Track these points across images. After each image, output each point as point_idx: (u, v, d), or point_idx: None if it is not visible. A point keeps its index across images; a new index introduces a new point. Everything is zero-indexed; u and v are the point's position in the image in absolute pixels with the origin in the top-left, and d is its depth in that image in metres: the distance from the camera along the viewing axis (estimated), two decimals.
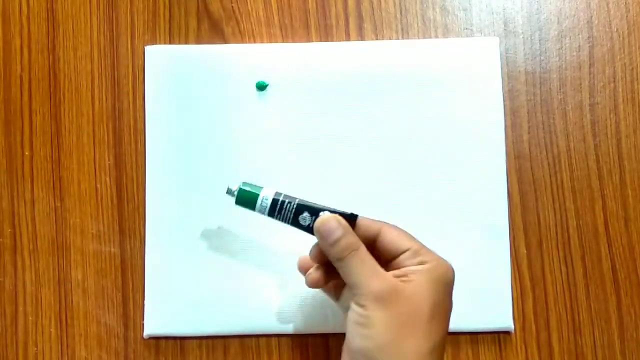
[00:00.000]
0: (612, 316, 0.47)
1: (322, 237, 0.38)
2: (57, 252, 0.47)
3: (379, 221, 0.39)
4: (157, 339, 0.46)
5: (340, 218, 0.38)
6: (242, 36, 0.49)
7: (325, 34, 0.49)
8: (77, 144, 0.48)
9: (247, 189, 0.41)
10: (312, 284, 0.40)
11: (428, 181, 0.47)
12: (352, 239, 0.37)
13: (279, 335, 0.46)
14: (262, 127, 0.47)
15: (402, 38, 0.49)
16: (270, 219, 0.41)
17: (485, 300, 0.46)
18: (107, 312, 0.47)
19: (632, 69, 0.48)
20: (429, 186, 0.47)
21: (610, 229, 0.47)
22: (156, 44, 0.49)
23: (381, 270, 0.36)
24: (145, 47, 0.48)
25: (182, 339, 0.46)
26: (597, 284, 0.47)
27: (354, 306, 0.36)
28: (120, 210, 0.47)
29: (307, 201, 0.40)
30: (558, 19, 0.49)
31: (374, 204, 0.46)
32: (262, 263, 0.46)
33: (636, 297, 0.47)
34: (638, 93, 0.48)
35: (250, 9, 0.49)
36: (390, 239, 0.38)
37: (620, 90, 0.48)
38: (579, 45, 0.49)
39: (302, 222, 0.39)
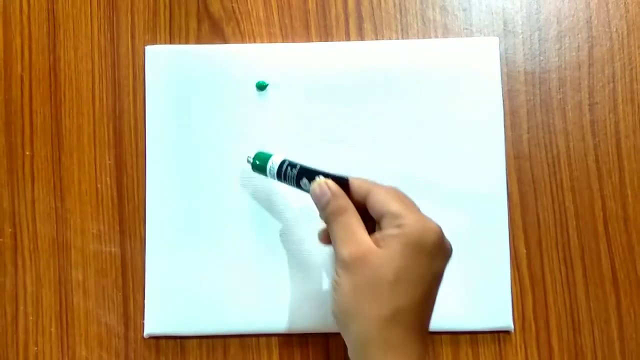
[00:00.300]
0: (611, 316, 0.47)
1: (314, 202, 0.39)
2: (57, 252, 0.47)
3: (371, 182, 0.39)
4: (157, 338, 0.46)
5: (331, 182, 0.39)
6: (242, 36, 0.49)
7: (325, 34, 0.49)
8: (77, 144, 0.48)
9: (261, 155, 0.44)
10: (322, 240, 0.42)
11: (427, 181, 0.47)
12: (339, 202, 0.38)
13: (279, 335, 0.46)
14: (262, 127, 0.47)
15: (402, 38, 0.49)
16: (290, 186, 0.42)
17: (485, 300, 0.46)
18: (107, 311, 0.47)
19: (632, 69, 0.49)
20: (429, 186, 0.47)
21: (609, 228, 0.47)
22: (156, 44, 0.49)
23: (360, 235, 0.37)
24: (146, 47, 0.48)
25: (182, 338, 0.46)
26: (597, 284, 0.47)
27: (333, 272, 0.37)
28: (120, 210, 0.47)
29: (309, 166, 0.41)
30: (557, 19, 0.49)
31: None
32: (262, 263, 0.46)
33: (636, 297, 0.47)
34: (637, 93, 0.48)
35: (250, 9, 0.49)
36: (376, 201, 0.38)
37: (619, 90, 0.48)
38: (579, 45, 0.49)
39: (303, 187, 0.41)
